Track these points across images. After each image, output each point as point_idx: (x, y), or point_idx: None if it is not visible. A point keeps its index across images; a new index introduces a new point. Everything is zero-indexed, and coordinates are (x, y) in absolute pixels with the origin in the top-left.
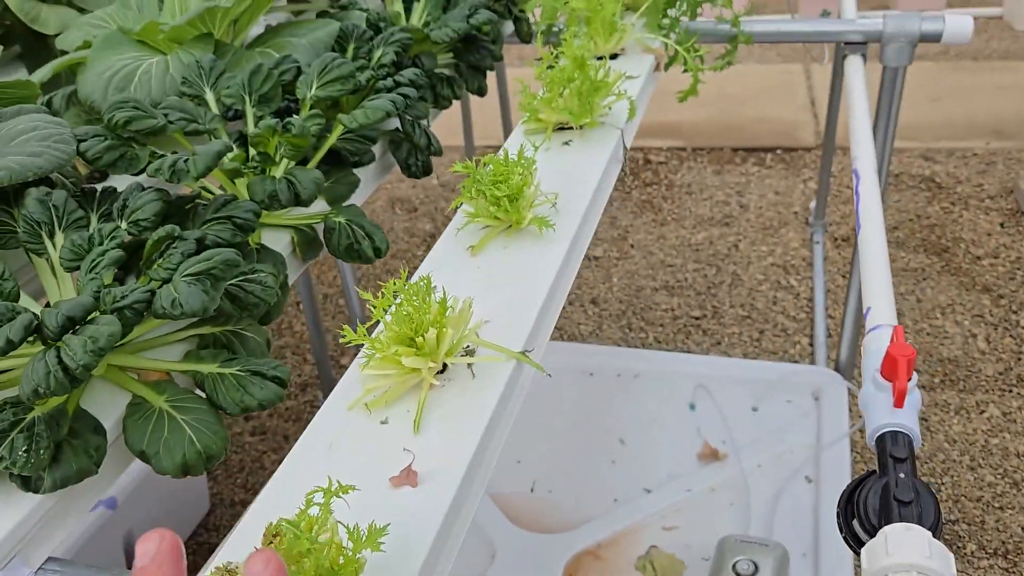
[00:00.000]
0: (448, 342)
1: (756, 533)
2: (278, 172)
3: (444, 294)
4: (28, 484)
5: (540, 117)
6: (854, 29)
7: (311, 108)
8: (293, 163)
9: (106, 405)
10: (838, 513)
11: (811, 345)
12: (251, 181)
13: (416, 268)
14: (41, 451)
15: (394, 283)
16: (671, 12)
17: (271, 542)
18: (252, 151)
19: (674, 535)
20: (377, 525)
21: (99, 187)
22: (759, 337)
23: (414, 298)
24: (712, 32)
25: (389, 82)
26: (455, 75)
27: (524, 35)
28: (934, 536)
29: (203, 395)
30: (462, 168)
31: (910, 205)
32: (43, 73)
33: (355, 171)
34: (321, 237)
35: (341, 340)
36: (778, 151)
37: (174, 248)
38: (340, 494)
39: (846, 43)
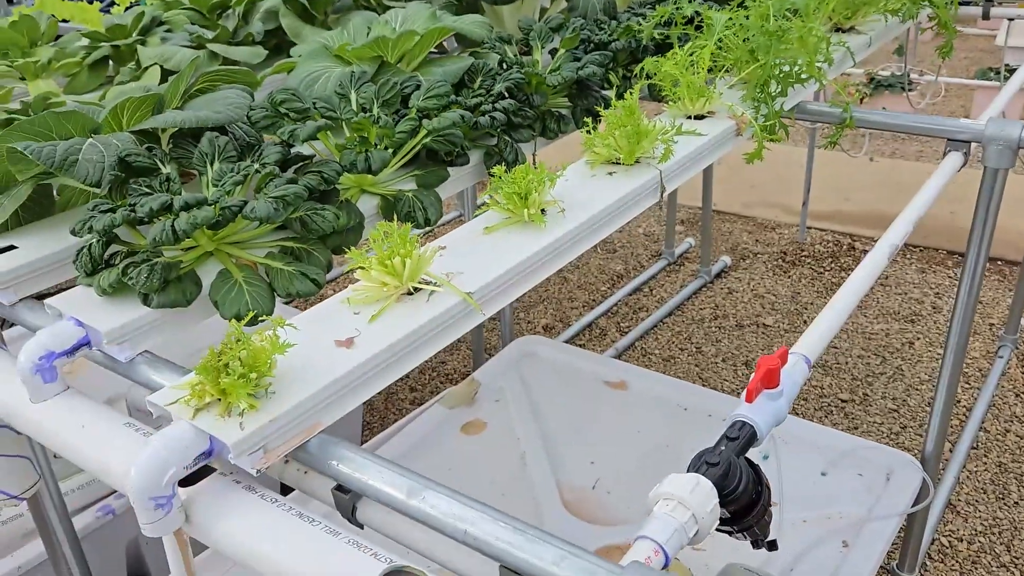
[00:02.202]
0: (408, 268)
1: (775, 575)
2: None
3: (414, 238)
4: (146, 300)
5: (595, 151)
6: (958, 128)
7: (415, 113)
8: (391, 150)
9: (209, 272)
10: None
11: (951, 451)
12: (343, 152)
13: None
14: (155, 280)
15: (382, 224)
16: (771, 88)
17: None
18: (354, 135)
19: (698, 555)
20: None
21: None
22: (899, 432)
23: (397, 236)
24: (820, 113)
25: (488, 107)
26: (568, 115)
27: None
28: (725, 502)
29: (267, 280)
30: (498, 171)
31: None
32: (269, 69)
33: (449, 169)
34: None
35: (345, 256)
36: (999, 261)
37: (274, 182)
38: (282, 325)
39: (948, 140)
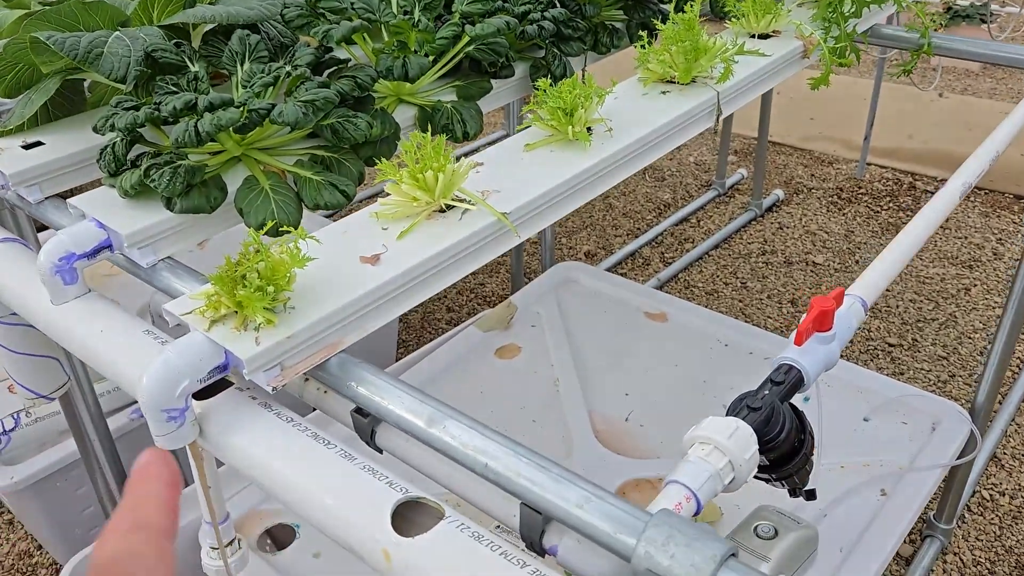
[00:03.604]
0: (441, 184)
1: (807, 519)
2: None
3: (449, 150)
4: (168, 204)
5: (649, 67)
6: None
7: (458, 19)
8: (431, 58)
9: (238, 180)
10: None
11: (1000, 403)
12: (379, 57)
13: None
14: (178, 183)
15: (419, 136)
16: (844, 8)
17: (246, 246)
18: (392, 40)
19: (731, 495)
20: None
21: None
22: (948, 380)
23: (431, 148)
24: (896, 38)
25: (537, 15)
26: (622, 28)
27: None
28: (765, 450)
29: (295, 190)
30: (542, 84)
31: None
32: None
33: (492, 81)
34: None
35: (376, 168)
36: None
37: (304, 85)
38: (304, 237)
39: None
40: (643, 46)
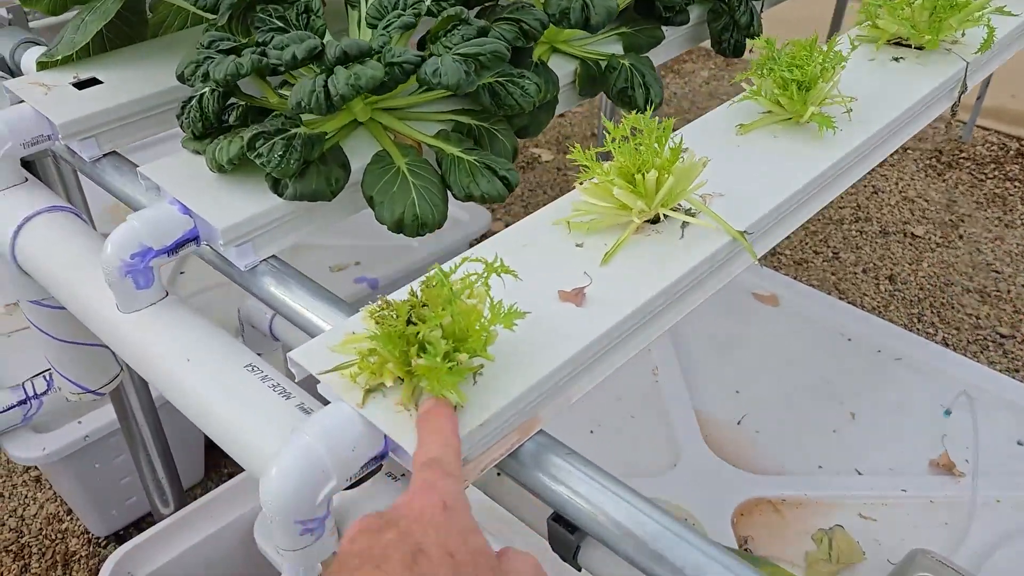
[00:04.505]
0: (666, 189)
1: (964, 566)
2: None
3: (680, 142)
4: (276, 186)
5: (878, 24)
6: None
7: None
8: None
9: (361, 151)
10: None
11: None
12: None
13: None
14: (292, 161)
15: (635, 116)
16: None
17: (426, 287)
18: None
19: (867, 526)
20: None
21: None
22: None
23: (649, 135)
24: None
25: None
26: None
27: None
28: None
29: (439, 172)
30: (762, 43)
31: None
32: None
33: (663, 29)
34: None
35: (568, 156)
36: None
37: (458, 30)
38: (500, 273)
39: None
40: None
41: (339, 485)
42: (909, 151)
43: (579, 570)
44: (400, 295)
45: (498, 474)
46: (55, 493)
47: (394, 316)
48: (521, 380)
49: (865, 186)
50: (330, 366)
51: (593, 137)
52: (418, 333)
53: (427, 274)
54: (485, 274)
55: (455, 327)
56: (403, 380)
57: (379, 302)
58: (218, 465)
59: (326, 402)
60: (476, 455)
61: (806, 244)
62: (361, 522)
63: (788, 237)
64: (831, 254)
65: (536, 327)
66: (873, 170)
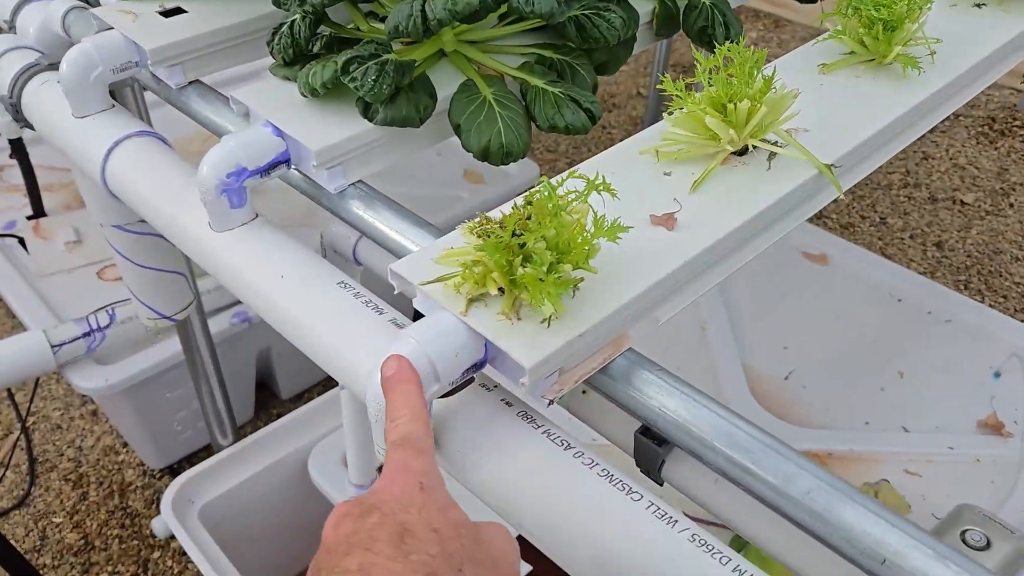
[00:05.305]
0: (758, 119)
1: (1012, 523)
2: None
3: (773, 74)
4: (367, 111)
5: None
6: None
7: None
8: None
9: (447, 82)
10: None
11: None
12: None
13: None
14: (384, 86)
15: (728, 46)
16: None
17: (529, 201)
18: None
19: (913, 481)
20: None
21: None
22: None
23: (742, 66)
24: None
25: None
26: None
27: None
28: None
29: (523, 103)
30: None
31: None
32: None
33: None
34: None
35: (657, 87)
36: None
37: None
38: (600, 191)
39: None
40: None
41: (442, 388)
42: (961, 118)
43: (660, 484)
44: (504, 208)
45: (583, 392)
46: (111, 426)
47: (500, 227)
48: (615, 297)
49: (915, 151)
50: (429, 279)
51: (639, 96)
52: (523, 244)
53: (532, 188)
54: (586, 191)
55: (559, 239)
56: (503, 292)
57: (478, 218)
58: (267, 406)
59: (419, 317)
60: (571, 367)
61: (852, 208)
62: (341, 508)
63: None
64: (878, 219)
65: (629, 248)
66: (924, 136)
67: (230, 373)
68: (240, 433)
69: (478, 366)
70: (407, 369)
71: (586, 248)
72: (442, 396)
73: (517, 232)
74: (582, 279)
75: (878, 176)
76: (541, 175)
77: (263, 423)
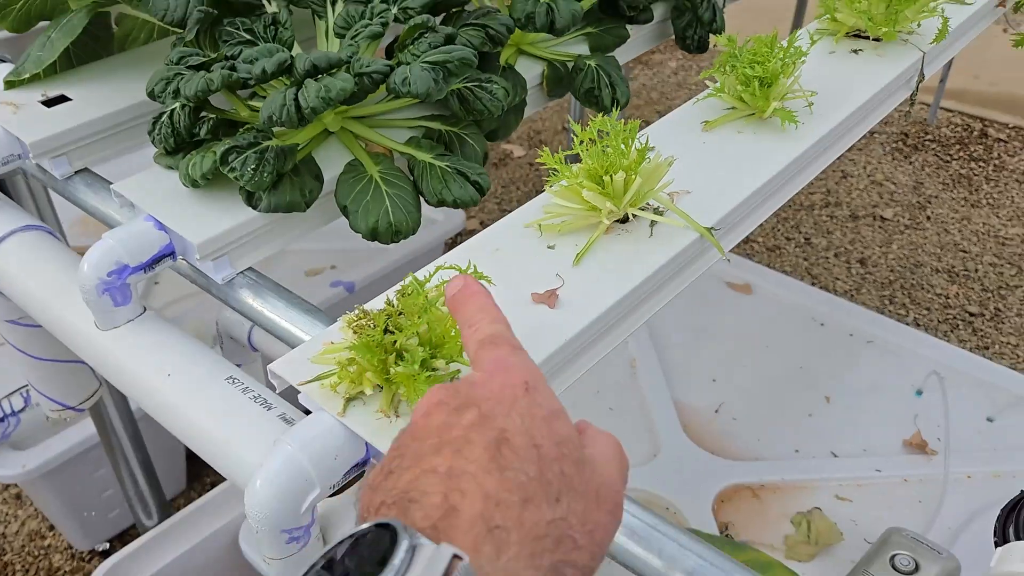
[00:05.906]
0: (634, 190)
1: (939, 543)
2: None
3: (646, 144)
4: (250, 199)
5: (837, 17)
6: None
7: None
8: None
9: (332, 162)
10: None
11: None
12: (515, 1)
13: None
14: (265, 174)
15: (601, 119)
16: None
17: (401, 295)
18: None
19: (844, 507)
20: None
21: None
22: None
23: (616, 137)
24: None
25: None
26: None
27: None
28: None
29: (411, 179)
30: (725, 41)
31: None
32: None
33: (628, 28)
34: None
35: (537, 160)
36: None
37: (425, 37)
38: (479, 278)
39: None
40: None
41: (323, 493)
42: (876, 135)
43: None
44: (377, 304)
45: None
46: (36, 509)
47: (371, 326)
48: None
49: (834, 171)
50: (310, 376)
51: (564, 131)
52: (395, 342)
53: (402, 283)
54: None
55: (431, 334)
56: (382, 388)
57: (356, 311)
58: (200, 475)
59: (307, 412)
60: None
61: (778, 231)
62: (435, 393)
63: (760, 224)
64: (803, 239)
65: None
66: (842, 155)
67: (158, 447)
68: (170, 507)
69: (360, 465)
70: (473, 284)
71: (459, 341)
72: (332, 495)
73: (389, 329)
74: (458, 371)
75: (801, 197)
76: (470, 216)
77: (196, 494)
